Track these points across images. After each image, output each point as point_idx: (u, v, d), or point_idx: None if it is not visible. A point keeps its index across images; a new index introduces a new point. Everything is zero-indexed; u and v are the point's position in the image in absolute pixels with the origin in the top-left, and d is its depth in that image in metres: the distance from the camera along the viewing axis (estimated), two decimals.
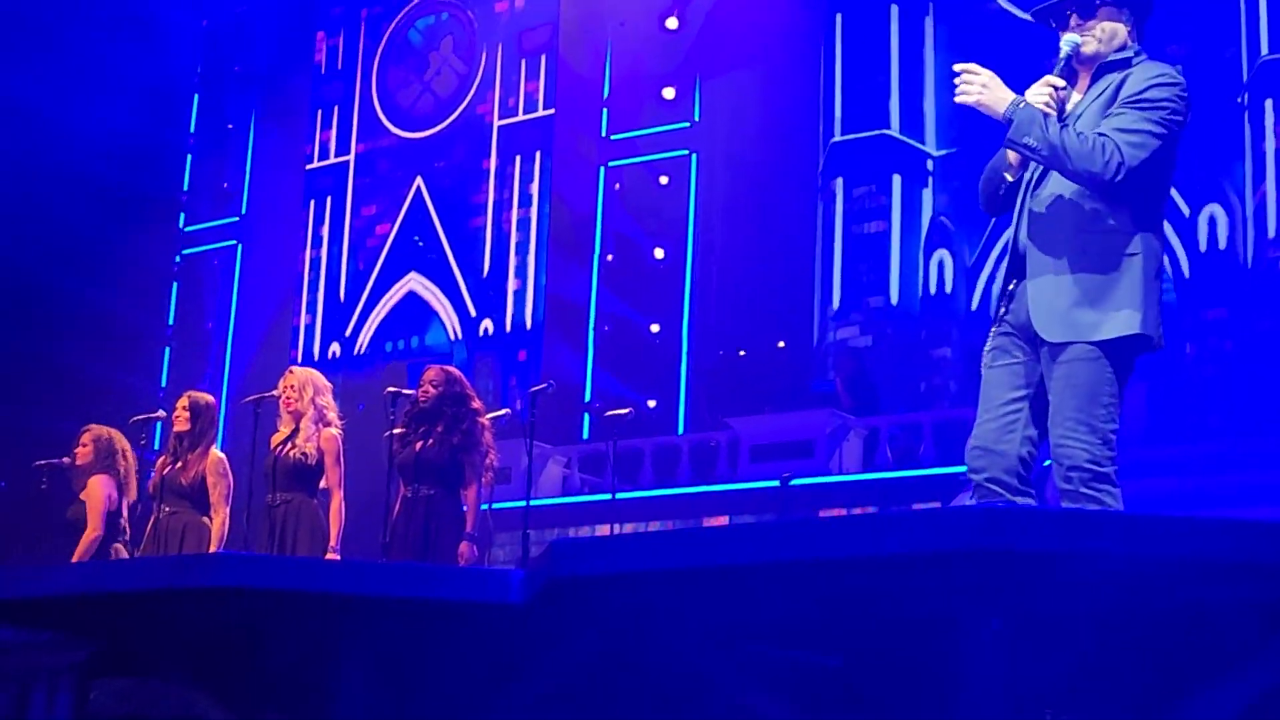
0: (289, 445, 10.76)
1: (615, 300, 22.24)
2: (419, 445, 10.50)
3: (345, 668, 6.86)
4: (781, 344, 20.81)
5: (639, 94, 22.46)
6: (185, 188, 25.70)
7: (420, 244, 22.93)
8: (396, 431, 11.05)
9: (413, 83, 23.61)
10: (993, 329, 6.28)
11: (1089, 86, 6.15)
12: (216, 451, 11.12)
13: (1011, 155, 6.20)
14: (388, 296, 23.10)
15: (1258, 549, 4.65)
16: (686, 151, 22.18)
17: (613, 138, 22.60)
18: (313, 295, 23.70)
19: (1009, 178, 6.27)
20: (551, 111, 22.34)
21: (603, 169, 22.59)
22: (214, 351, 24.72)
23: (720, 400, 20.11)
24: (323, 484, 10.80)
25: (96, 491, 11.20)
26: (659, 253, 21.98)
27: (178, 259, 25.41)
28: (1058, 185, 6.00)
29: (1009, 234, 6.23)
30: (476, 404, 10.79)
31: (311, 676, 7.39)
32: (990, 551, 4.40)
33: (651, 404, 20.72)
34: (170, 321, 25.10)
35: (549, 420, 18.67)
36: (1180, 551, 4.62)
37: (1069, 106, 6.16)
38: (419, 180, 23.17)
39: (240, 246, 25.18)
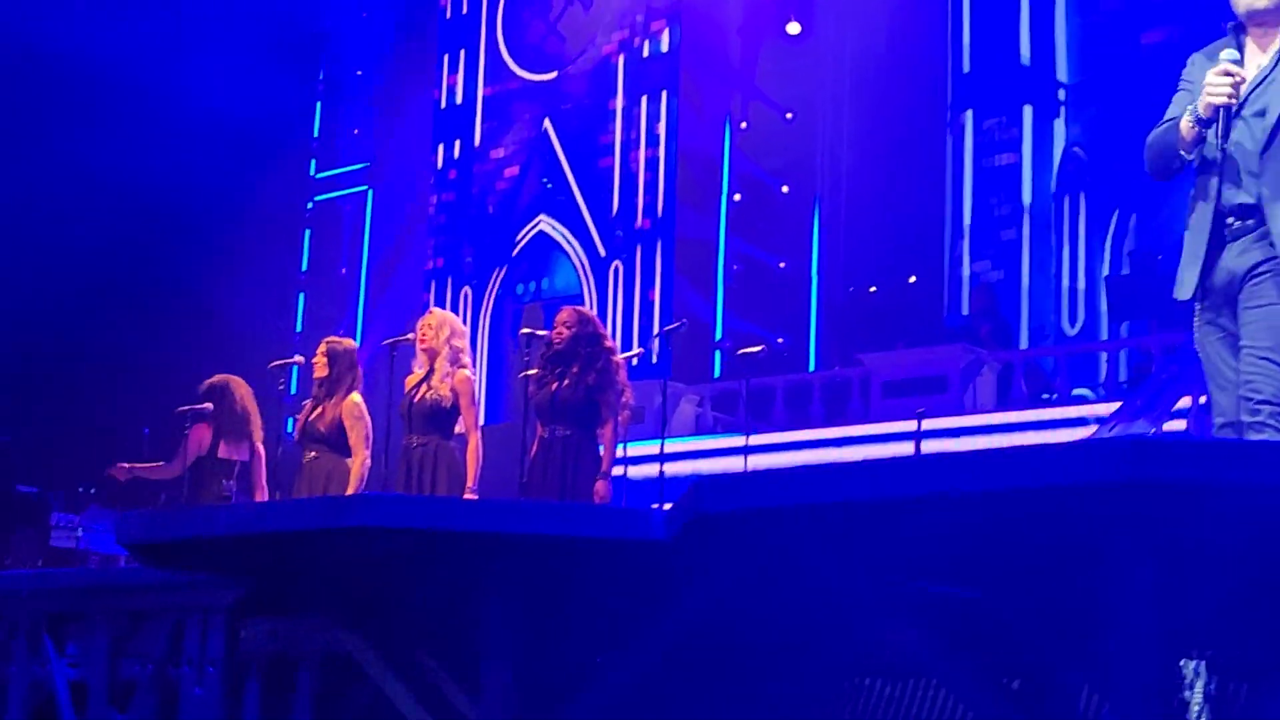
0: (424, 388, 10.88)
1: (743, 238, 22.20)
2: (554, 386, 10.56)
3: (491, 605, 6.95)
4: (913, 279, 20.68)
5: (763, 30, 22.33)
6: (315, 134, 25.96)
7: (549, 186, 22.99)
8: (531, 373, 11.13)
9: (538, 24, 23.64)
10: (1196, 307, 6.34)
11: (1273, 47, 6.11)
12: (354, 396, 11.23)
13: (1187, 133, 6.20)
14: (518, 239, 23.21)
15: None
16: (811, 86, 22.04)
17: (737, 75, 22.51)
18: (443, 238, 23.86)
19: (1186, 156, 6.27)
20: (677, 50, 22.27)
21: (729, 107, 22.51)
22: (348, 296, 25.00)
23: (851, 336, 20.04)
24: (459, 428, 10.89)
25: (189, 437, 11.40)
26: (785, 189, 21.88)
27: (310, 205, 25.71)
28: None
29: (1203, 207, 6.16)
30: (610, 343, 10.83)
31: (458, 614, 7.51)
32: (1141, 482, 4.37)
33: (780, 340, 20.68)
34: (304, 267, 25.40)
35: (681, 359, 18.73)
36: None
37: (1249, 73, 6.09)
38: (546, 122, 23.21)
39: (371, 192, 25.41)
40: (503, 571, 6.68)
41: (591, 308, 22.31)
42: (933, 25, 20.77)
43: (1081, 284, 19.60)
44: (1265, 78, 6.09)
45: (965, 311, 19.32)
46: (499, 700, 6.62)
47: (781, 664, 7.62)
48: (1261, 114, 6.11)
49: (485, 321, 23.17)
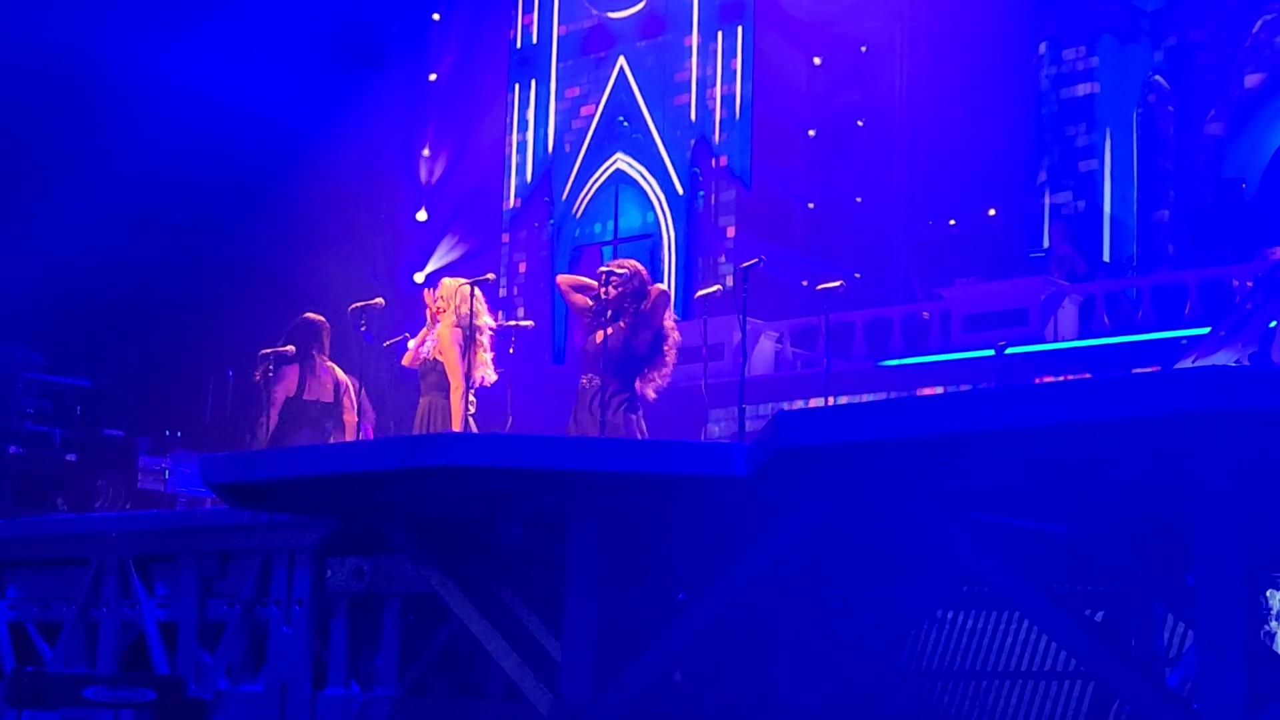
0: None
1: (820, 174, 22.08)
2: (600, 336, 10.51)
3: (573, 542, 7.00)
4: (992, 211, 20.51)
5: None
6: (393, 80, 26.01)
7: (625, 124, 22.94)
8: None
9: None
10: None
11: None
12: (446, 331, 11.24)
13: None
14: (594, 177, 23.19)
15: None
16: (886, 19, 21.85)
17: (815, 9, 22.34)
18: (520, 178, 23.88)
19: None
20: None
21: (804, 41, 22.35)
22: (426, 236, 25.08)
23: (931, 270, 19.92)
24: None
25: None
26: (861, 124, 21.73)
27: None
28: None
29: None
30: (652, 300, 10.70)
31: (540, 552, 7.56)
32: (1225, 412, 4.34)
33: (858, 275, 20.58)
34: (383, 211, 25.47)
35: (760, 296, 18.68)
36: None
37: None
38: (621, 60, 23.14)
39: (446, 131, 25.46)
40: (585, 509, 6.72)
41: (669, 245, 22.29)
42: None
43: (1164, 214, 19.39)
44: None
45: (1046, 243, 19.16)
46: (582, 636, 6.68)
47: (867, 598, 7.63)
48: None
49: (565, 261, 23.19)
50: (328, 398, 11.52)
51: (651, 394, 10.36)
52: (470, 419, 10.95)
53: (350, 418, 11.39)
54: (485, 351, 11.30)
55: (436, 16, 25.36)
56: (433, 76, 25.27)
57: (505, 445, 6.52)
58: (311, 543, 8.63)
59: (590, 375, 10.32)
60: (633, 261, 10.87)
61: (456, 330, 11.22)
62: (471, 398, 11.13)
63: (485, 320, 11.35)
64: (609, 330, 10.30)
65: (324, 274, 23.01)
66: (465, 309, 11.12)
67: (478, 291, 11.30)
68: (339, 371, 11.64)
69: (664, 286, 11.02)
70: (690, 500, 6.74)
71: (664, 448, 6.37)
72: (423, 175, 25.65)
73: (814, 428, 5.28)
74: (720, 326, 15.93)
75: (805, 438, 5.28)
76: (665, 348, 10.34)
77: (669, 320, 10.45)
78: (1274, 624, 6.69)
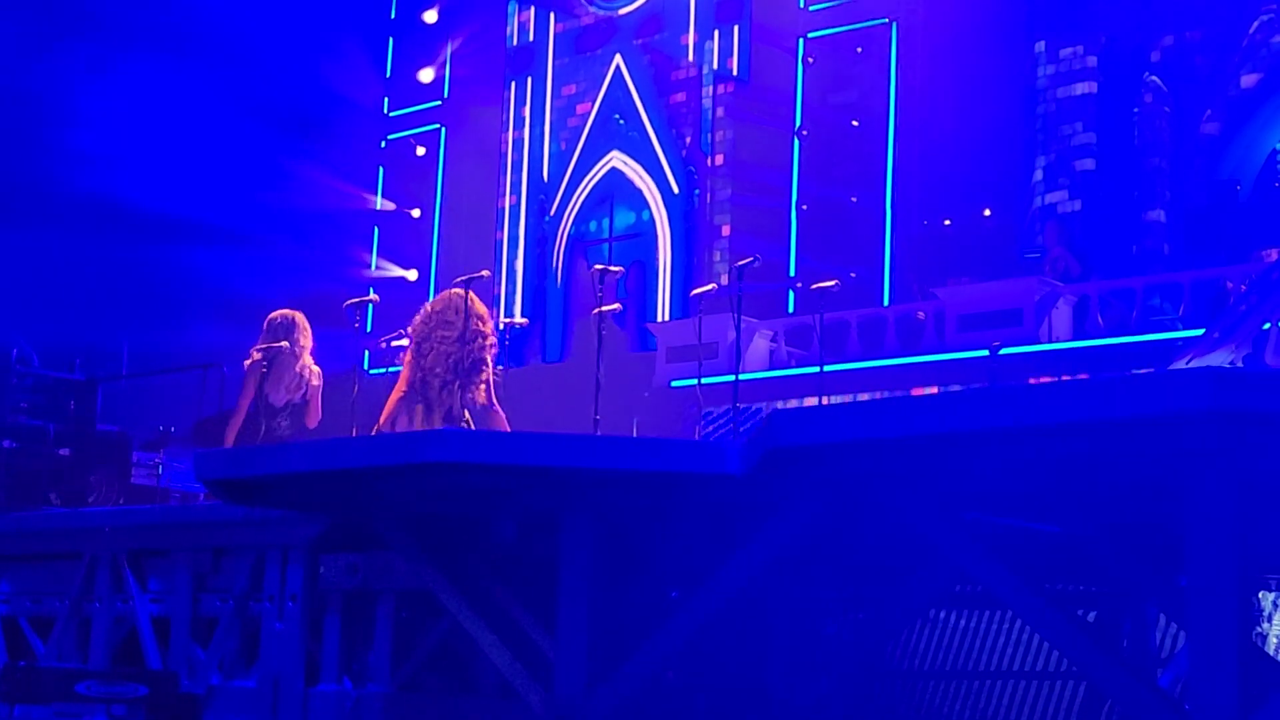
0: None
1: (815, 173, 22.07)
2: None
3: (566, 540, 7.00)
4: (987, 211, 20.48)
5: None
6: (388, 74, 25.97)
7: (621, 122, 22.93)
8: (609, 308, 11.12)
9: None
10: None
11: None
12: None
13: None
14: (590, 175, 23.17)
15: None
16: (886, 20, 21.84)
17: (810, 9, 22.32)
18: (516, 176, 23.86)
19: None
20: None
21: (801, 41, 22.34)
22: (422, 233, 25.07)
23: (926, 270, 19.88)
24: None
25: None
26: (856, 123, 21.70)
27: (383, 144, 25.74)
28: None
29: None
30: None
31: (534, 549, 7.56)
32: (1219, 413, 4.34)
33: (853, 275, 20.57)
34: (378, 205, 25.46)
35: (754, 294, 18.68)
36: None
37: None
38: (618, 58, 23.13)
39: (444, 130, 25.41)
40: (578, 506, 6.72)
41: (665, 243, 22.29)
42: None
43: (1159, 215, 19.39)
44: None
45: (1040, 243, 19.15)
46: (575, 633, 6.68)
47: (858, 596, 7.63)
48: None
49: (560, 258, 23.20)
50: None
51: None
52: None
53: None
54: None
55: (431, 15, 25.33)
56: (429, 77, 25.23)
57: (499, 442, 6.53)
58: (305, 539, 8.63)
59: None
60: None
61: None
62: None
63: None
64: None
65: (321, 266, 23.06)
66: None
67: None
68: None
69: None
70: (684, 498, 6.75)
71: (658, 445, 6.37)
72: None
73: (807, 427, 5.28)
74: (715, 325, 15.92)
75: (798, 437, 5.28)
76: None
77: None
78: (1266, 625, 6.71)
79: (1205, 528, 4.87)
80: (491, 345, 10.34)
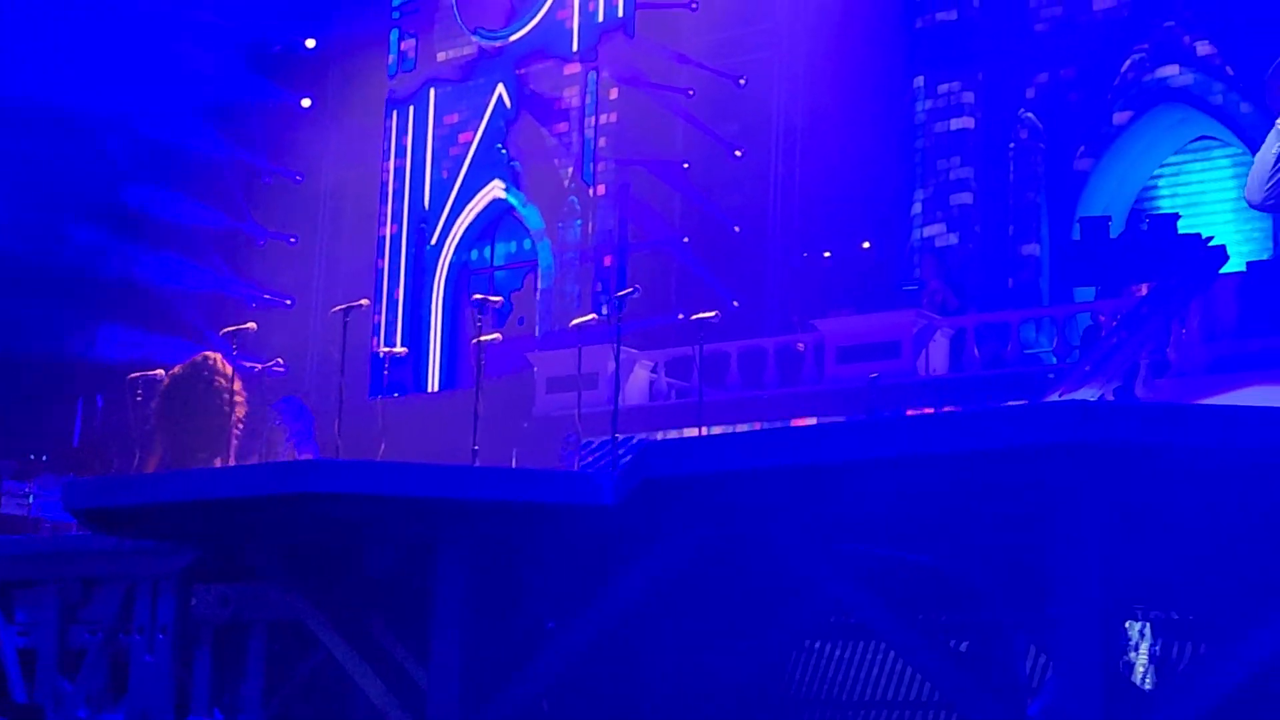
0: None
1: (698, 204, 22.15)
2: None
3: (440, 570, 6.95)
4: (867, 244, 20.66)
5: None
6: (270, 106, 25.75)
7: (503, 152, 22.90)
8: (487, 338, 11.10)
9: None
10: None
11: None
12: None
13: None
14: (472, 204, 23.12)
15: None
16: (768, 53, 21.98)
17: (694, 41, 22.42)
18: (397, 205, 23.75)
19: None
20: (632, 15, 22.19)
21: (682, 73, 22.42)
22: (301, 263, 24.85)
23: (806, 302, 20.02)
24: None
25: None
26: (739, 154, 21.82)
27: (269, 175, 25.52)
28: None
29: None
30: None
31: (408, 579, 7.50)
32: (1086, 444, 4.39)
33: (735, 304, 20.66)
34: (256, 236, 25.21)
35: (635, 325, 18.71)
36: (1275, 443, 4.59)
37: None
38: (500, 88, 23.12)
39: (323, 156, 25.22)
40: (453, 537, 6.67)
41: (546, 273, 22.27)
42: None
43: (1034, 249, 19.65)
44: None
45: (919, 276, 19.34)
46: (448, 664, 6.63)
47: (733, 628, 7.64)
48: None
49: (440, 288, 23.11)
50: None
51: None
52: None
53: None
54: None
55: (311, 43, 25.15)
56: (306, 102, 25.03)
57: (371, 472, 6.47)
58: (176, 570, 8.51)
59: None
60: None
61: None
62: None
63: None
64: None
65: (199, 296, 22.81)
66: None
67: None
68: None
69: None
70: (559, 529, 6.72)
71: (531, 476, 6.35)
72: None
73: (679, 458, 5.29)
74: (595, 356, 15.94)
75: (671, 468, 5.28)
76: None
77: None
78: (1133, 654, 6.78)
79: (1071, 557, 4.92)
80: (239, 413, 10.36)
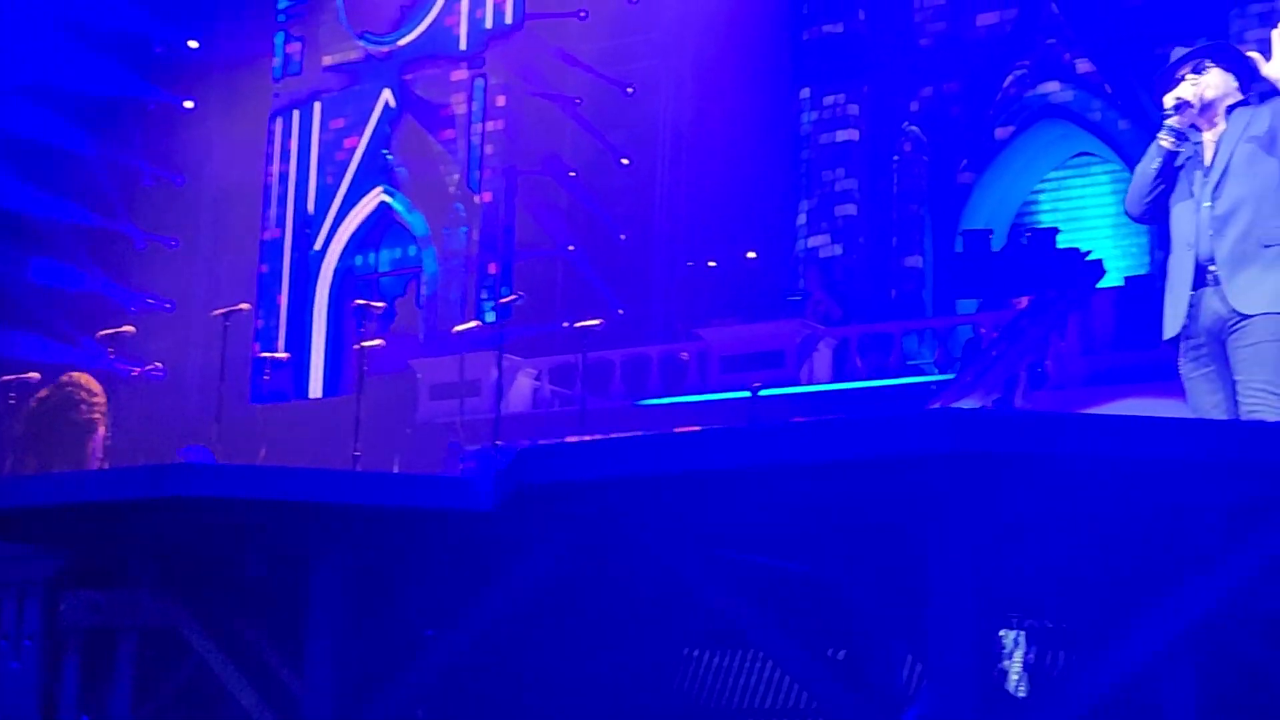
0: None
1: (585, 211, 22.15)
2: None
3: (315, 577, 6.86)
4: (751, 254, 20.75)
5: (606, 3, 22.25)
6: (151, 106, 25.46)
7: (389, 157, 22.78)
8: (370, 344, 11.04)
9: None
10: (1181, 345, 6.97)
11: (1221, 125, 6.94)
12: None
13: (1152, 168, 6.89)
14: (356, 210, 22.97)
15: (1226, 449, 4.67)
16: (656, 61, 22.02)
17: (582, 48, 22.40)
18: (281, 209, 23.56)
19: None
20: (520, 22, 22.16)
21: (569, 80, 22.41)
22: (184, 265, 24.57)
23: (690, 311, 20.07)
24: None
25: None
26: (626, 162, 21.84)
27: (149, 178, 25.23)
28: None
29: (1185, 255, 6.87)
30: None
31: (282, 586, 7.40)
32: (958, 454, 4.40)
33: (620, 312, 20.67)
34: (136, 239, 24.91)
35: (519, 332, 18.67)
36: (1150, 453, 4.63)
37: (1207, 150, 6.93)
38: (387, 93, 22.99)
39: (205, 159, 24.96)
40: (326, 543, 6.58)
41: (430, 280, 22.16)
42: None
43: (917, 261, 19.83)
44: (1219, 142, 6.92)
45: (803, 287, 19.45)
46: (322, 673, 6.54)
47: (612, 636, 7.61)
48: (1221, 181, 6.88)
49: (324, 292, 22.94)
50: None
51: None
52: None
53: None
54: None
55: (194, 44, 24.87)
56: (189, 104, 24.75)
57: (243, 476, 6.37)
58: (44, 575, 8.34)
59: None
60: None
61: None
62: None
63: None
64: None
65: (77, 292, 22.50)
66: None
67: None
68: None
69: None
70: (437, 535, 6.66)
71: (407, 481, 6.28)
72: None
73: (554, 463, 5.25)
74: (478, 363, 15.89)
75: (546, 473, 5.24)
76: None
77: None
78: (1007, 662, 6.82)
79: (945, 566, 4.93)
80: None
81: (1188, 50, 7.19)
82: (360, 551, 6.71)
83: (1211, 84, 6.92)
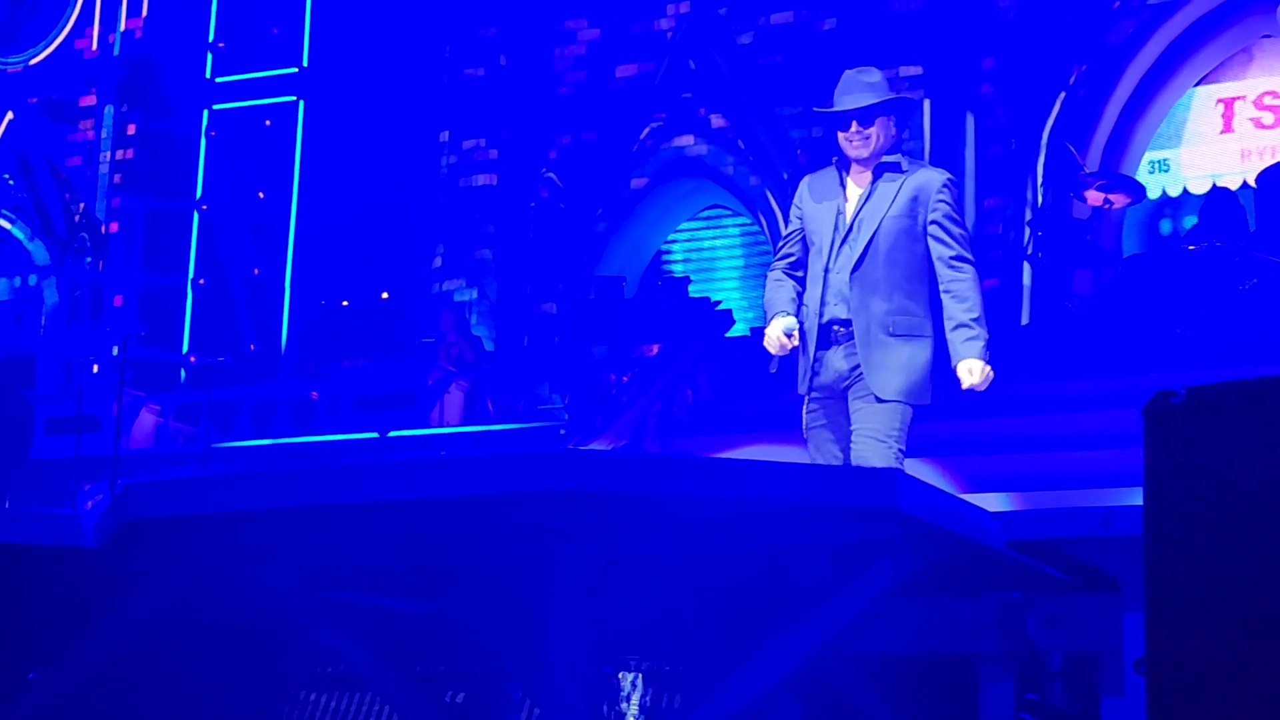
0: None
1: (217, 245, 21.68)
2: None
3: None
4: (385, 294, 20.61)
5: (246, 36, 21.88)
6: None
7: (10, 183, 21.94)
8: None
9: (3, 9, 22.55)
10: (806, 398, 7.32)
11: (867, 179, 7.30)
12: None
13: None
14: None
15: (830, 493, 4.79)
16: (294, 97, 21.73)
17: (217, 80, 21.97)
18: None
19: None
20: (153, 50, 21.63)
21: (206, 112, 21.94)
22: None
23: (322, 349, 19.82)
24: None
25: None
26: (262, 195, 21.47)
27: None
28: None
29: (811, 318, 7.26)
30: None
31: None
32: (567, 493, 4.42)
33: (252, 348, 20.29)
34: None
35: (144, 368, 18.16)
36: (758, 495, 4.72)
37: (850, 203, 7.26)
38: (9, 115, 22.17)
39: None
40: None
41: (52, 310, 21.39)
42: (425, 34, 20.78)
43: (551, 307, 19.98)
44: (860, 208, 7.21)
45: (437, 329, 19.41)
46: None
47: (222, 676, 7.41)
48: (854, 241, 7.20)
49: None
50: None
51: None
52: None
53: None
54: None
55: None
56: None
57: None
58: None
59: None
60: None
61: None
62: None
63: None
64: None
65: None
66: None
67: None
68: None
69: None
70: (38, 574, 6.40)
71: (6, 518, 6.02)
72: None
73: (160, 499, 5.10)
74: (98, 397, 15.39)
75: (150, 509, 5.09)
76: None
77: None
78: (625, 705, 6.88)
79: (560, 606, 4.94)
80: None
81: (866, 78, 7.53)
82: None
83: (877, 135, 7.27)
